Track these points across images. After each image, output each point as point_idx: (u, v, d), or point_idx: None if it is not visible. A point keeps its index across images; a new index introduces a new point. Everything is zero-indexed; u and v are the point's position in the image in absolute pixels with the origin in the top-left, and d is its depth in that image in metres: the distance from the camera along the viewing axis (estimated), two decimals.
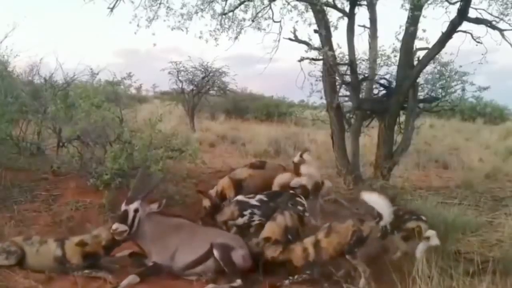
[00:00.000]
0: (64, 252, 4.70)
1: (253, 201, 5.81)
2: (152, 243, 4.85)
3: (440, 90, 9.65)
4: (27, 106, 8.34)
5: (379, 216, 4.58)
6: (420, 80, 9.23)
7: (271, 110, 26.42)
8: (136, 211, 4.76)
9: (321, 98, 9.51)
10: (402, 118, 9.30)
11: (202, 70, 19.58)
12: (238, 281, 4.49)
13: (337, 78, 8.43)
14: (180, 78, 19.78)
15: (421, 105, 9.60)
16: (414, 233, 5.07)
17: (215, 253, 4.69)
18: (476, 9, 7.54)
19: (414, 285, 4.01)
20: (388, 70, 9.43)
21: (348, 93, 9.13)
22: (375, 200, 4.62)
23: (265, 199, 5.84)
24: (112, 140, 7.21)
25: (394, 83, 8.83)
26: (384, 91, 9.31)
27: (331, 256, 4.68)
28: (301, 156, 7.07)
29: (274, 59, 8.80)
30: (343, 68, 8.69)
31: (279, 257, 4.76)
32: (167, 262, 4.75)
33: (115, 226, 4.65)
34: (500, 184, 10.74)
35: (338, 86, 8.77)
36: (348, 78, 8.40)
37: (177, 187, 7.55)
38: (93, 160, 7.18)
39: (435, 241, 4.80)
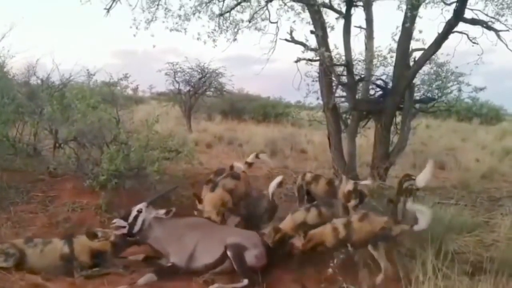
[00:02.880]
0: (72, 248, 4.72)
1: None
2: (168, 245, 4.90)
3: (436, 91, 9.68)
4: (23, 107, 8.31)
5: (416, 221, 4.63)
6: (416, 80, 9.25)
7: (268, 111, 26.45)
8: (139, 211, 4.88)
9: (318, 98, 9.52)
10: (399, 118, 9.31)
11: (199, 71, 19.58)
12: (245, 281, 4.52)
13: (333, 78, 8.43)
14: (177, 79, 19.79)
15: (417, 105, 9.62)
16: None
17: (229, 253, 4.73)
18: (472, 9, 7.56)
19: (413, 284, 4.02)
20: (384, 71, 9.46)
21: (344, 93, 9.14)
22: (420, 208, 4.70)
23: None
24: (108, 141, 7.21)
25: (390, 84, 8.85)
26: (380, 92, 9.32)
27: (359, 241, 4.72)
28: (257, 156, 7.11)
29: (271, 60, 8.79)
30: (339, 69, 8.69)
31: (308, 244, 4.80)
32: (186, 262, 4.79)
33: (115, 220, 4.83)
34: (496, 184, 10.77)
35: (334, 87, 8.76)
36: (344, 79, 8.40)
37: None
38: (89, 161, 7.18)
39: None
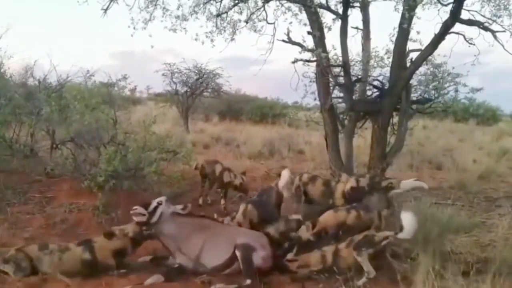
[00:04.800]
0: (94, 254, 4.75)
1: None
2: (176, 243, 4.95)
3: (433, 92, 9.68)
4: (21, 108, 8.30)
5: (401, 229, 4.69)
6: (413, 81, 9.25)
7: (265, 112, 26.53)
8: (159, 203, 4.99)
9: (315, 99, 9.52)
10: (395, 119, 9.32)
11: (196, 71, 19.59)
12: (248, 281, 4.55)
13: (330, 79, 8.44)
14: (174, 79, 19.81)
15: (414, 106, 9.62)
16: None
17: (237, 253, 4.77)
18: (468, 10, 7.57)
19: (410, 285, 4.03)
20: (381, 72, 9.45)
21: (341, 94, 9.14)
22: (407, 215, 4.72)
23: None
24: (106, 142, 7.20)
25: (387, 85, 8.85)
26: (377, 93, 9.32)
27: (349, 265, 4.76)
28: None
29: (268, 61, 8.78)
30: (336, 70, 8.70)
31: (299, 270, 4.88)
32: (192, 262, 4.84)
33: (135, 207, 4.90)
34: (493, 184, 10.79)
35: (331, 88, 8.78)
36: (341, 80, 8.41)
37: (171, 188, 7.55)
38: (86, 162, 7.17)
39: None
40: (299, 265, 4.90)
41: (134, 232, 4.96)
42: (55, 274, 4.51)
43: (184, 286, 4.50)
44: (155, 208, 4.95)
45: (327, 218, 5.46)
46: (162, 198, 5.07)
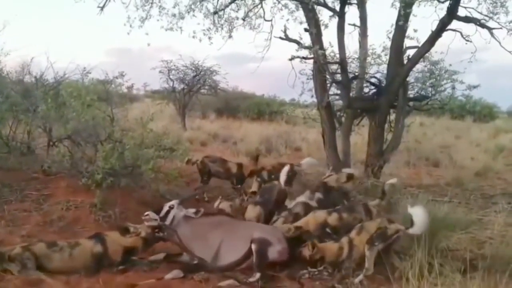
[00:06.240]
0: (106, 247, 4.75)
1: (313, 203, 6.02)
2: (193, 243, 4.96)
3: (430, 89, 9.71)
4: (17, 105, 8.27)
5: (412, 224, 4.67)
6: (410, 78, 9.29)
7: (262, 109, 26.54)
8: (171, 207, 5.04)
9: (312, 96, 9.56)
10: (393, 116, 9.34)
11: (193, 69, 19.56)
12: (257, 275, 4.58)
13: (327, 76, 8.45)
14: (171, 77, 19.80)
15: (411, 103, 9.65)
16: None
17: (253, 246, 4.78)
18: (465, 7, 7.62)
19: (407, 282, 4.04)
20: (378, 69, 9.52)
21: (338, 91, 9.17)
22: (416, 211, 4.73)
23: (322, 197, 6.12)
24: (103, 139, 7.18)
25: (384, 82, 8.88)
26: (374, 90, 9.35)
27: (361, 255, 4.74)
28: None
29: (265, 58, 8.84)
30: (333, 67, 8.73)
31: (315, 256, 4.86)
32: (210, 260, 4.85)
33: (147, 212, 4.97)
34: (490, 181, 10.82)
35: (328, 85, 8.80)
36: (338, 77, 8.43)
37: (169, 186, 7.55)
38: (84, 160, 7.14)
39: None
40: (314, 254, 4.87)
41: (146, 232, 4.97)
42: (64, 271, 4.50)
43: (182, 284, 4.50)
44: (167, 212, 5.00)
45: (307, 220, 5.42)
46: (174, 202, 5.12)
